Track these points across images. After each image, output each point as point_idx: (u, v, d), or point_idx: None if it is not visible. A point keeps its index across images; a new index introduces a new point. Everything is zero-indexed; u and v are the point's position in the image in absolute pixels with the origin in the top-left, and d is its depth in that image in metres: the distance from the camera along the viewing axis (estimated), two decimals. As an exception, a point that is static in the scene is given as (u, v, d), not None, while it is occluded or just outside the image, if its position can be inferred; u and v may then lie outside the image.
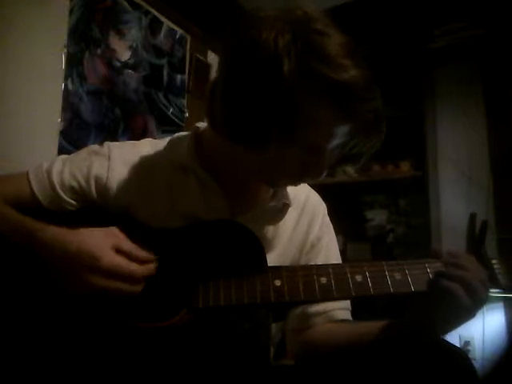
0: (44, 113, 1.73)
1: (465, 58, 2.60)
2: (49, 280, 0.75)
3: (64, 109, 1.79)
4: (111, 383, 0.71)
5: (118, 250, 0.73)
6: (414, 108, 2.65)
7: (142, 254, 0.75)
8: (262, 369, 0.73)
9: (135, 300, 0.74)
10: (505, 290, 0.77)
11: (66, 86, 1.81)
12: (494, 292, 0.75)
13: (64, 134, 1.79)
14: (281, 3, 0.74)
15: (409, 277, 0.73)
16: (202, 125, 0.91)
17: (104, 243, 0.73)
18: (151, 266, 0.76)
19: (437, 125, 2.71)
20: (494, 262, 0.76)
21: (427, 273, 0.73)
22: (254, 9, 0.74)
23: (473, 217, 0.79)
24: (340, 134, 0.73)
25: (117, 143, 0.93)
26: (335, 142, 0.74)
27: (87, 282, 0.71)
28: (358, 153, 0.79)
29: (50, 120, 1.76)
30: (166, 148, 0.91)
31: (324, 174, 0.79)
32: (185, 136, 0.91)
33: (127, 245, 0.75)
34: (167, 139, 0.93)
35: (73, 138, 1.82)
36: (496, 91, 2.52)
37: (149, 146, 0.92)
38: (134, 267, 0.73)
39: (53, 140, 1.75)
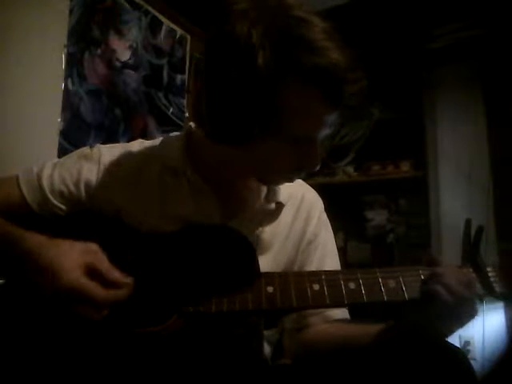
0: (44, 113, 1.73)
1: (464, 58, 2.60)
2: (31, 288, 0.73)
3: (64, 109, 1.80)
4: None
5: (90, 269, 0.69)
6: (414, 108, 2.65)
7: (116, 276, 0.70)
8: (254, 374, 0.73)
9: (127, 306, 0.72)
10: (500, 299, 0.76)
11: (66, 86, 1.81)
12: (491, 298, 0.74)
13: (64, 134, 1.79)
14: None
15: (402, 284, 0.72)
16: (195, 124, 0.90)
17: (75, 259, 0.69)
18: (123, 292, 0.70)
19: (437, 125, 2.71)
20: (489, 269, 0.75)
21: (421, 280, 0.73)
22: (231, 1, 0.71)
23: (468, 222, 0.77)
24: (328, 122, 0.72)
25: (107, 146, 0.91)
26: (324, 130, 0.73)
27: (48, 297, 0.69)
28: (350, 142, 0.78)
29: (50, 120, 1.76)
30: (157, 150, 0.89)
31: (318, 166, 0.77)
32: (176, 137, 0.90)
33: (102, 265, 0.70)
34: (159, 140, 0.92)
35: (73, 138, 1.82)
36: (496, 91, 2.52)
37: (140, 149, 0.90)
38: (97, 292, 0.68)
39: (53, 140, 1.75)
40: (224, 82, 0.69)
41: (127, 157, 0.88)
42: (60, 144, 1.77)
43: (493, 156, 2.52)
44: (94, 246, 0.73)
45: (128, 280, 0.71)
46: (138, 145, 0.92)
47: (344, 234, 2.76)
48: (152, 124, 2.21)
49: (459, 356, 0.71)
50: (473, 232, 0.77)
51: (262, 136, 0.71)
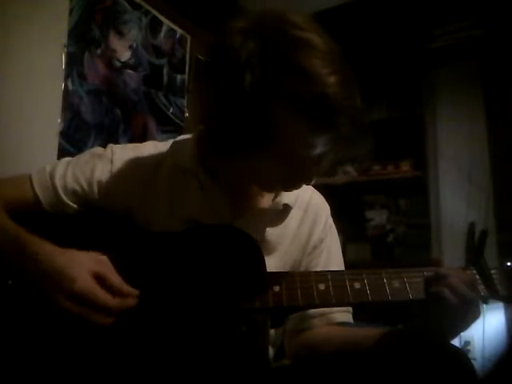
0: (44, 113, 1.73)
1: (464, 58, 2.60)
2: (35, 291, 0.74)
3: (64, 109, 1.79)
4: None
5: (99, 279, 0.71)
6: (414, 108, 2.65)
7: (125, 288, 0.73)
8: (258, 372, 0.73)
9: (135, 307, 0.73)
10: (504, 301, 0.76)
11: (65, 86, 1.80)
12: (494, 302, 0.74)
13: (64, 134, 1.78)
14: (281, 4, 0.73)
15: (407, 285, 0.73)
16: None
17: (86, 268, 0.71)
18: (129, 302, 0.72)
19: (437, 125, 2.71)
20: (493, 272, 0.75)
21: (425, 281, 0.73)
22: (241, 13, 0.72)
23: (472, 226, 0.77)
24: (319, 145, 0.70)
25: (120, 146, 0.92)
26: (315, 151, 0.71)
27: (60, 304, 0.69)
28: (349, 158, 0.78)
29: (50, 120, 1.75)
30: (169, 151, 0.90)
31: (311, 181, 0.78)
32: (189, 139, 0.91)
33: (111, 275, 0.73)
34: (170, 142, 0.93)
35: (73, 138, 1.82)
36: (496, 91, 2.52)
37: (152, 149, 0.91)
38: (108, 299, 0.70)
39: (53, 140, 1.75)
40: (215, 99, 0.69)
41: (139, 157, 0.89)
42: (60, 144, 1.76)
43: (493, 156, 2.52)
44: (102, 257, 0.75)
45: (135, 291, 0.73)
46: (150, 146, 0.93)
47: (344, 234, 2.76)
48: (152, 124, 2.20)
49: (461, 357, 0.71)
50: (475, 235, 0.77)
51: (250, 151, 0.71)
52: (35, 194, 0.86)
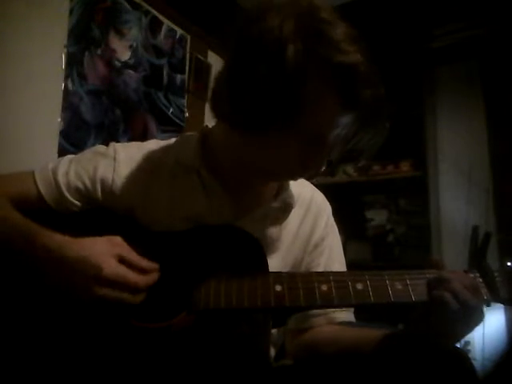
0: (44, 113, 1.73)
1: (465, 58, 2.61)
2: (46, 284, 0.74)
3: (64, 109, 1.79)
4: (108, 382, 0.71)
5: (121, 260, 0.73)
6: (414, 108, 2.65)
7: (145, 263, 0.75)
8: (260, 373, 0.73)
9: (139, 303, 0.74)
10: (506, 304, 0.76)
11: (65, 86, 1.81)
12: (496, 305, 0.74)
13: (64, 133, 1.79)
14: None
15: (409, 287, 0.73)
16: (210, 126, 0.91)
17: (107, 252, 0.73)
18: (153, 276, 0.75)
19: (437, 125, 2.71)
20: (496, 274, 0.75)
21: (427, 285, 0.73)
22: (240, 12, 0.75)
23: (475, 229, 0.77)
24: (342, 123, 0.73)
25: (123, 144, 0.92)
26: (336, 131, 0.74)
27: (89, 290, 0.70)
28: (360, 149, 0.78)
29: (50, 120, 1.76)
30: (172, 149, 0.90)
31: (322, 168, 0.79)
32: (191, 137, 0.91)
33: (130, 255, 0.74)
34: (173, 140, 0.93)
35: (73, 138, 1.82)
36: (496, 91, 2.52)
37: (155, 148, 0.91)
38: (136, 277, 0.73)
39: (53, 140, 1.75)
40: (251, 71, 0.71)
41: (143, 156, 0.89)
42: (60, 144, 1.77)
43: (493, 156, 2.52)
44: (117, 238, 0.76)
45: (155, 265, 0.76)
46: (153, 144, 0.93)
47: (344, 234, 2.76)
48: (152, 124, 2.21)
49: (461, 357, 0.71)
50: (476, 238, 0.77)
51: (277, 125, 0.73)
52: (38, 191, 0.86)
